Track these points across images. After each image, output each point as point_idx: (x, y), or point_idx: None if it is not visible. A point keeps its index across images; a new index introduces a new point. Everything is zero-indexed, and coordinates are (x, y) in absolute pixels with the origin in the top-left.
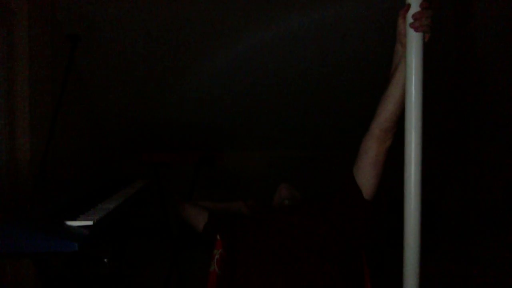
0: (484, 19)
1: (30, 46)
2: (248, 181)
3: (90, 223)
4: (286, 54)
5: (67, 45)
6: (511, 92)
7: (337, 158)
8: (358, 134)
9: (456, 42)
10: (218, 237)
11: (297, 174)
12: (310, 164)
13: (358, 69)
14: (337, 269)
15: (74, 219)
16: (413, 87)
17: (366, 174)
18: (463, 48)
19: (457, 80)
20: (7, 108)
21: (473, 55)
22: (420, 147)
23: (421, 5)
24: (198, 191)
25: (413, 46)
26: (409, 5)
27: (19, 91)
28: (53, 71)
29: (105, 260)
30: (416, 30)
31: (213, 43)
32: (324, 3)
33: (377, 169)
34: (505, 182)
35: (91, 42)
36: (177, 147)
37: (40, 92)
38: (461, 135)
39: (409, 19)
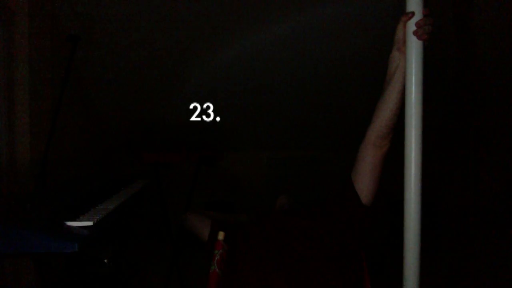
0: (484, 20)
1: (30, 46)
2: (248, 181)
3: (90, 223)
4: (286, 54)
5: (67, 45)
6: (511, 92)
7: (337, 158)
8: (358, 134)
9: (456, 43)
10: (219, 237)
11: (297, 174)
12: (310, 164)
13: (358, 69)
14: (337, 269)
15: (74, 219)
16: (413, 89)
17: (364, 179)
18: (463, 48)
19: (457, 80)
20: (7, 108)
21: (473, 55)
22: (420, 147)
23: (423, 13)
24: (198, 191)
25: (413, 52)
26: (413, 13)
27: (19, 91)
28: (53, 71)
29: (105, 260)
30: (420, 38)
31: (213, 44)
32: (324, 4)
33: (375, 174)
34: (505, 182)
35: (91, 42)
36: (177, 147)
37: (40, 92)
38: (461, 136)
39: (411, 27)
